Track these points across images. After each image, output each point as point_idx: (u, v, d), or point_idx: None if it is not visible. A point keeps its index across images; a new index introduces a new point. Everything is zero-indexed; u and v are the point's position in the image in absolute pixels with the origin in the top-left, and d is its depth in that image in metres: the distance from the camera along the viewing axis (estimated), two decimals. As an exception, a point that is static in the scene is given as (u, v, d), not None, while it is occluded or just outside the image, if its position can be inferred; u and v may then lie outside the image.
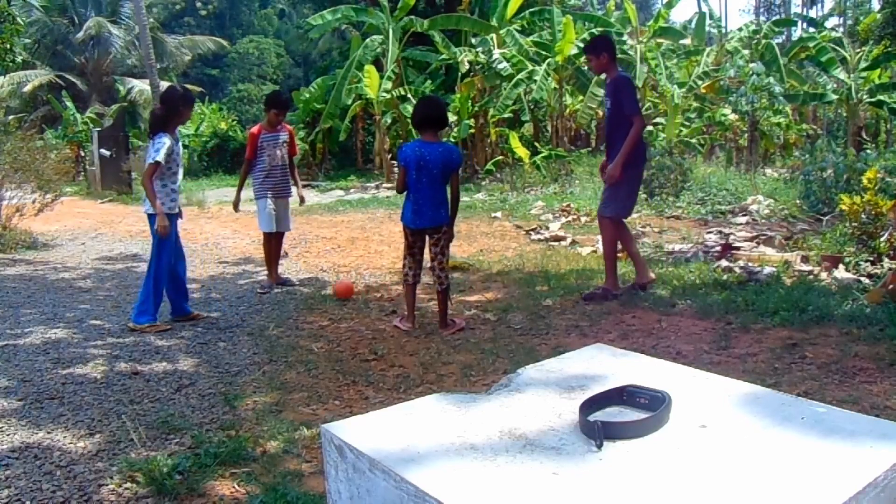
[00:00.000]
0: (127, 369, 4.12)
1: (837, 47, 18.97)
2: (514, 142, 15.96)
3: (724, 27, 22.75)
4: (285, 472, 2.78)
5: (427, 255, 4.86)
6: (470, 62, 16.43)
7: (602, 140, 16.65)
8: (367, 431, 1.38)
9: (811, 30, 21.70)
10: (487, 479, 1.18)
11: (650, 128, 16.68)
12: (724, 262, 6.19)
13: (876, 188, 5.90)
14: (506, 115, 16.08)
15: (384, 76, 17.11)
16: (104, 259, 8.23)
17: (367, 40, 17.61)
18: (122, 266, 7.73)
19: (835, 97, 17.71)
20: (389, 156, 17.75)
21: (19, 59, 12.08)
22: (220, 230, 10.12)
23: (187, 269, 5.42)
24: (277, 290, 6.15)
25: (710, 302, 5.02)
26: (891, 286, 4.68)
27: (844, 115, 19.56)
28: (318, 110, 19.74)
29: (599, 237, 6.33)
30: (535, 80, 15.30)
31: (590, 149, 19.40)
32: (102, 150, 16.31)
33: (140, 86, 24.96)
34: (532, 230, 9.05)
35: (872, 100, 17.58)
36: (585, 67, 14.86)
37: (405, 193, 4.75)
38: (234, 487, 2.69)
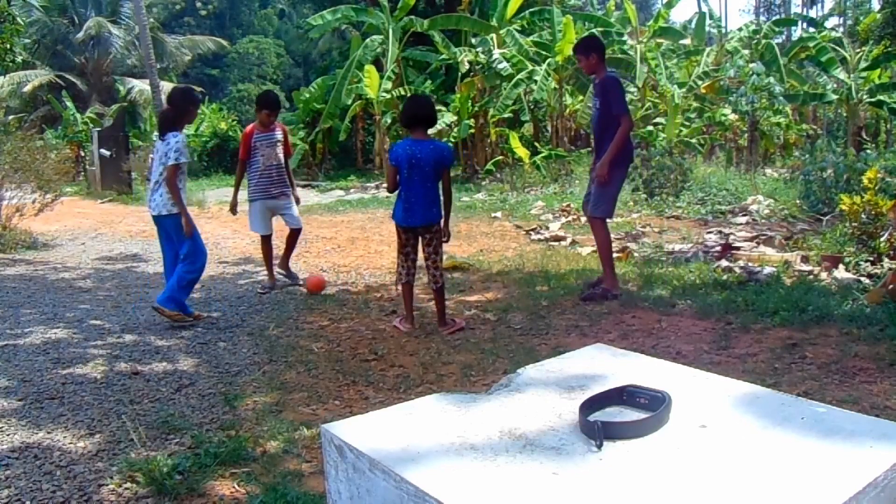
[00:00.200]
0: (127, 369, 4.11)
1: (837, 47, 18.98)
2: (514, 142, 15.96)
3: (724, 27, 22.74)
4: (285, 472, 2.78)
5: (421, 255, 4.87)
6: (470, 62, 16.44)
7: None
8: (367, 431, 1.38)
9: (811, 30, 21.70)
10: (487, 479, 1.18)
11: (650, 128, 16.68)
12: (724, 262, 6.19)
13: (876, 188, 5.89)
14: (506, 115, 16.09)
15: (384, 76, 17.12)
16: (104, 259, 8.23)
17: (367, 40, 17.61)
18: (122, 266, 7.73)
19: (835, 97, 17.71)
20: (389, 156, 17.75)
21: (19, 59, 12.10)
22: (220, 230, 10.11)
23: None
24: (278, 290, 6.15)
25: (710, 302, 5.03)
26: (891, 286, 4.68)
27: (844, 115, 19.56)
28: (318, 110, 19.74)
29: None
30: (535, 80, 15.30)
31: (590, 149, 19.29)
32: (102, 150, 16.29)
33: (140, 86, 24.95)
34: (532, 230, 9.04)
35: (872, 100, 17.58)
36: (583, 67, 14.85)
37: (397, 192, 4.77)
38: (234, 487, 2.69)
